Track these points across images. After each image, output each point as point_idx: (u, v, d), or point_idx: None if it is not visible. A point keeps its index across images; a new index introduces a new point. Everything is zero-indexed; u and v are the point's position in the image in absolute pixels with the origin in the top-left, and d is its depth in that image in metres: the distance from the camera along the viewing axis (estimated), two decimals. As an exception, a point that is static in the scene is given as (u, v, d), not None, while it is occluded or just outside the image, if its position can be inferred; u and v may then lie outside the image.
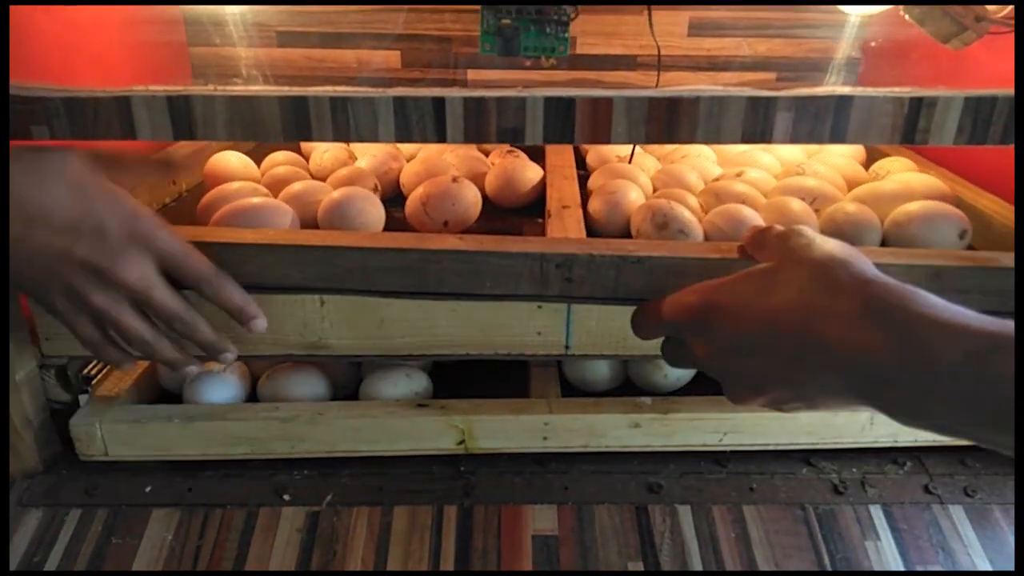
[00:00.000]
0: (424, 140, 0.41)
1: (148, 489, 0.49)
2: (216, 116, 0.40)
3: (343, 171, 0.60)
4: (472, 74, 0.82)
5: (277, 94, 0.40)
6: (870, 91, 0.40)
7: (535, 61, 0.51)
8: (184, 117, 0.40)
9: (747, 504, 0.48)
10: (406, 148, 0.69)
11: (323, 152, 0.65)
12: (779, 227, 0.39)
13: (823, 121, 0.41)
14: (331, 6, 0.79)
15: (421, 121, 0.40)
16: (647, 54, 0.80)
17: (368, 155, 0.64)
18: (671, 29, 0.82)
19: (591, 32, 0.82)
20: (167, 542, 0.46)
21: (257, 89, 0.40)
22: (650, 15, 0.58)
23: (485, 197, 0.59)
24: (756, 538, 0.47)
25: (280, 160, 0.65)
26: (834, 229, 0.52)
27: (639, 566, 0.45)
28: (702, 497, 0.49)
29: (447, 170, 0.59)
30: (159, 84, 0.41)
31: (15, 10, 0.51)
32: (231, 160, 0.63)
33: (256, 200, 0.51)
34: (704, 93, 0.40)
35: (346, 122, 0.40)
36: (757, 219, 0.52)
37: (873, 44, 0.80)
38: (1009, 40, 0.57)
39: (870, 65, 0.82)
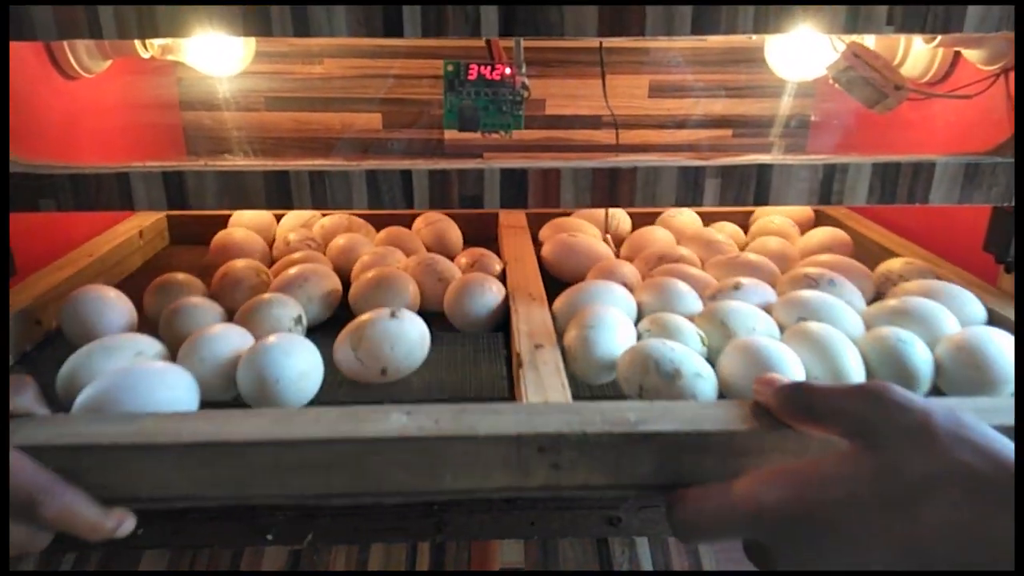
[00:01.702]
0: (394, 207, 0.46)
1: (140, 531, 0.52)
2: (206, 188, 0.45)
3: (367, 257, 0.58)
4: (448, 135, 0.88)
5: (261, 169, 0.45)
6: (788, 159, 0.46)
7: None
8: (177, 190, 0.45)
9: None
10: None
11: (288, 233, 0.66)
12: (829, 384, 0.32)
13: (747, 187, 0.46)
14: (315, 72, 0.85)
15: (391, 191, 0.45)
16: (611, 114, 0.86)
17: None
18: (633, 91, 0.88)
19: (559, 95, 0.88)
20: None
21: (243, 164, 0.45)
22: (604, 82, 0.64)
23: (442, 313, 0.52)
24: (708, 564, 0.51)
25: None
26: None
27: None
28: (659, 529, 0.53)
29: (397, 276, 0.52)
30: (153, 148, 0.47)
31: (19, 83, 0.57)
32: (235, 235, 0.65)
33: (146, 366, 0.40)
34: (641, 164, 0.45)
35: (323, 193, 0.45)
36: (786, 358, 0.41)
37: (822, 105, 0.87)
38: (932, 105, 0.64)
39: (820, 124, 0.88)
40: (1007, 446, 0.27)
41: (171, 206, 0.45)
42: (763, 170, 0.45)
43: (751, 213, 0.77)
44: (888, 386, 0.30)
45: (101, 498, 0.32)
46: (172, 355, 0.43)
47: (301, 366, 0.41)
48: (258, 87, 0.85)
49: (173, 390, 0.38)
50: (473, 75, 0.47)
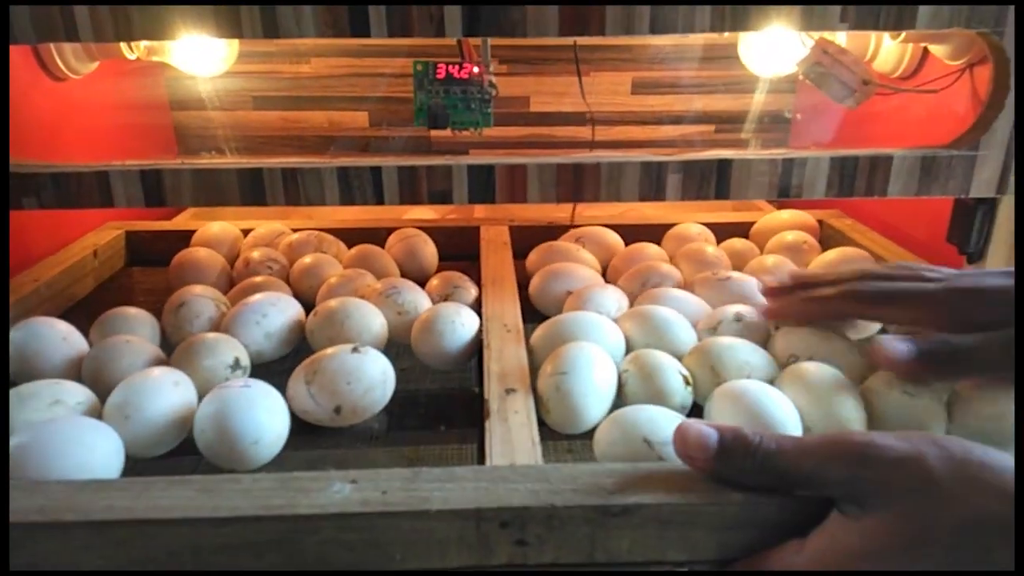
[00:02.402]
0: (364, 203, 0.47)
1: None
2: (183, 186, 0.47)
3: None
4: (435, 133, 0.89)
5: (236, 166, 0.46)
6: (748, 154, 0.47)
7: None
8: (155, 187, 0.46)
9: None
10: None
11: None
12: (788, 442, 0.30)
13: (708, 181, 0.47)
14: (303, 71, 0.86)
15: (362, 187, 0.47)
16: (594, 111, 0.87)
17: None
18: (616, 88, 0.89)
19: (544, 92, 0.89)
20: None
21: (218, 161, 0.47)
22: (580, 78, 0.65)
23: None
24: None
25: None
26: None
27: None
28: None
29: (360, 308, 0.47)
30: (145, 147, 0.47)
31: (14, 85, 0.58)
32: (199, 255, 0.60)
33: (61, 423, 0.36)
34: (604, 159, 0.46)
35: (296, 190, 0.47)
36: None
37: (802, 100, 0.88)
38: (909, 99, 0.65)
39: (801, 119, 0.89)
40: (1007, 465, 0.27)
41: (149, 203, 0.47)
42: (723, 165, 0.47)
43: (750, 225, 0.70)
44: (868, 442, 0.28)
45: None
46: (102, 400, 0.39)
47: (276, 424, 0.38)
48: (246, 86, 0.86)
49: (92, 451, 0.34)
50: (442, 74, 0.49)
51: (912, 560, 0.27)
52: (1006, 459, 0.27)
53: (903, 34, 0.59)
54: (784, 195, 0.48)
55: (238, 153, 0.89)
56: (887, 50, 0.65)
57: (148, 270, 0.66)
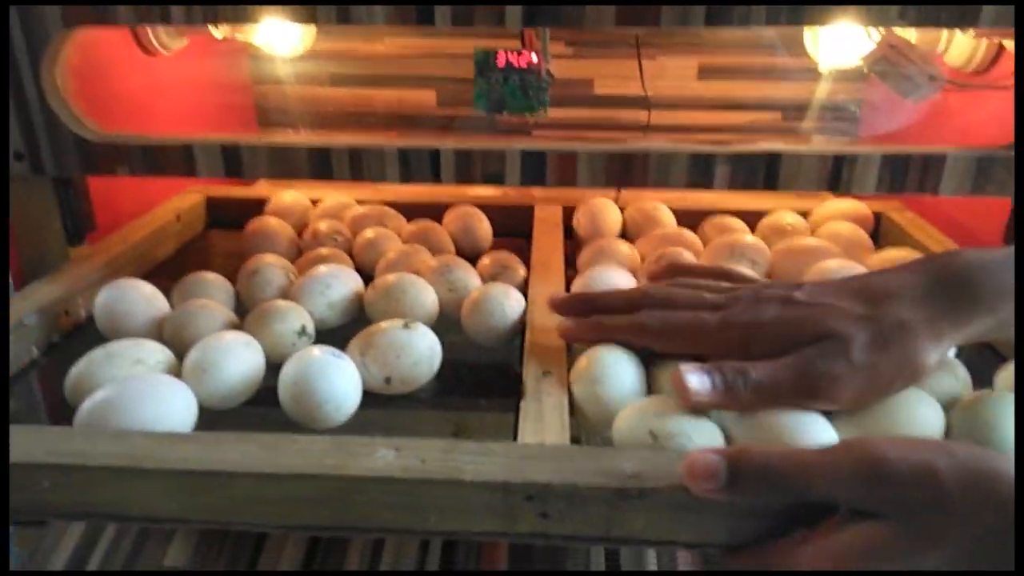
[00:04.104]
0: (423, 181, 0.50)
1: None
2: (258, 161, 0.50)
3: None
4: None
5: (306, 144, 0.50)
6: (799, 148, 0.47)
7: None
8: (234, 161, 0.50)
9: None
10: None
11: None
12: (794, 457, 0.31)
13: (757, 173, 0.48)
14: (376, 50, 0.90)
15: (420, 167, 0.49)
16: (658, 95, 0.88)
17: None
18: (683, 73, 0.89)
19: (608, 75, 0.90)
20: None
21: (291, 140, 0.50)
22: (640, 64, 0.66)
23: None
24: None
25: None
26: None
27: None
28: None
29: (415, 285, 0.50)
30: (226, 121, 0.50)
31: (101, 56, 0.63)
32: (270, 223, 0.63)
33: (141, 379, 0.40)
34: (653, 149, 0.48)
35: (359, 167, 0.50)
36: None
37: (871, 90, 0.86)
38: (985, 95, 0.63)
39: (870, 110, 0.87)
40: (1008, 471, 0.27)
41: (228, 175, 0.50)
42: (773, 158, 0.47)
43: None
44: (881, 457, 0.28)
45: (89, 515, 0.35)
46: (179, 359, 0.43)
47: (346, 386, 0.41)
48: (323, 65, 0.90)
49: (168, 405, 0.38)
50: (501, 62, 0.51)
51: (917, 563, 0.28)
52: (1001, 463, 0.28)
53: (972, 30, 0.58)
54: (834, 189, 0.48)
55: (312, 128, 0.93)
56: (959, 44, 0.63)
57: (226, 233, 0.71)
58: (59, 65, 0.49)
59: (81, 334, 0.52)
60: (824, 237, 0.61)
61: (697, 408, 0.36)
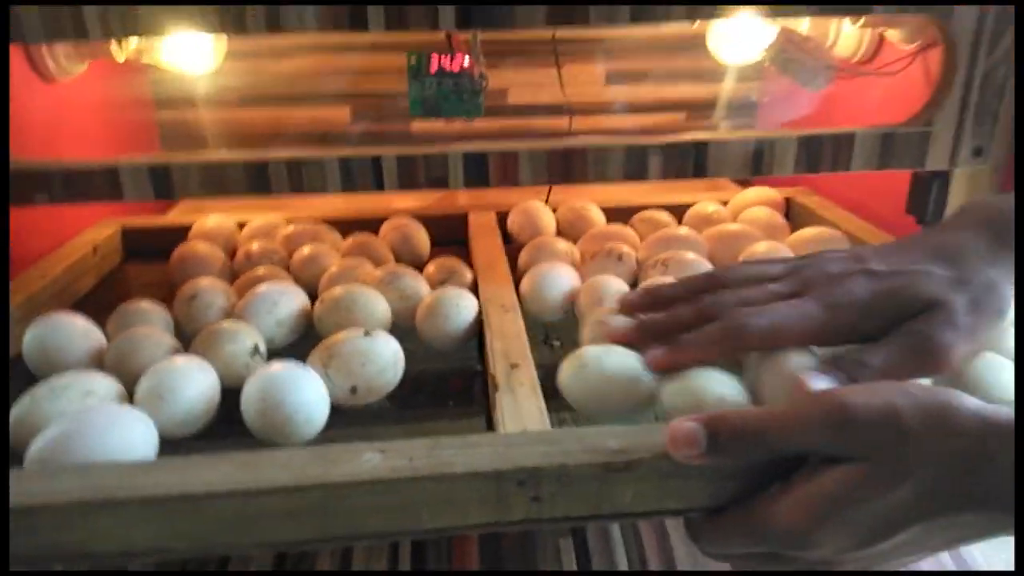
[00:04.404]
0: (366, 190, 0.50)
1: None
2: (190, 179, 0.49)
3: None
4: (415, 125, 0.92)
5: (242, 159, 0.49)
6: (723, 135, 0.51)
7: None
8: (163, 181, 0.48)
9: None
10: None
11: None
12: (766, 412, 0.32)
13: (688, 162, 0.50)
14: (284, 69, 0.88)
15: (363, 175, 0.49)
16: (570, 102, 0.90)
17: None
18: (591, 79, 0.92)
19: (521, 84, 0.92)
20: None
21: (225, 155, 0.49)
22: (559, 70, 0.68)
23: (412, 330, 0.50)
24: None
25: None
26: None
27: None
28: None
29: (366, 295, 0.50)
30: (130, 145, 0.48)
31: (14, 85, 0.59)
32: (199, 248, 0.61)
33: (98, 410, 0.38)
34: (590, 144, 0.49)
35: (299, 179, 0.49)
36: None
37: (766, 86, 0.92)
38: (867, 82, 0.68)
39: (766, 104, 0.93)
40: (969, 405, 0.29)
41: (157, 196, 0.49)
42: (700, 146, 0.50)
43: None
44: (845, 403, 0.30)
45: (56, 558, 0.32)
46: (125, 389, 0.41)
47: (314, 397, 0.40)
48: (229, 84, 0.87)
49: (129, 435, 0.36)
50: (434, 67, 0.51)
51: (889, 501, 0.30)
52: (971, 401, 0.30)
53: (862, 20, 0.63)
54: (757, 172, 0.51)
55: (218, 149, 0.90)
56: (847, 35, 0.69)
57: (144, 265, 0.68)
58: (-37, 90, 0.46)
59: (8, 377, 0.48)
60: (745, 223, 0.64)
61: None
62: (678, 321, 0.41)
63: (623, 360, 0.40)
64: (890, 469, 0.29)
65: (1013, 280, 0.37)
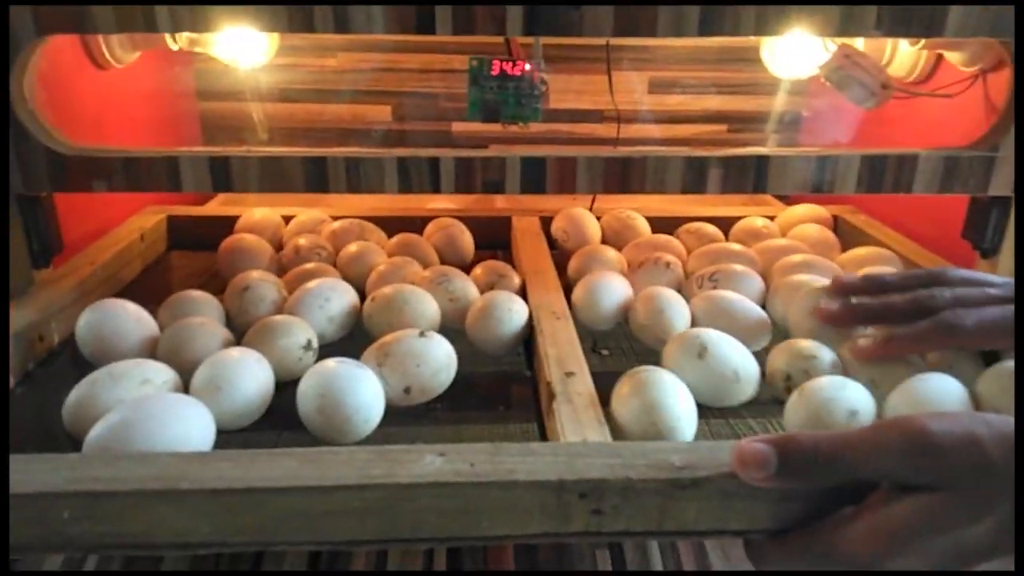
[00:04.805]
0: (422, 191, 0.50)
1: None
2: (249, 173, 0.49)
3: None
4: (456, 126, 0.92)
5: (301, 155, 0.48)
6: (784, 151, 0.50)
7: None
8: (223, 174, 0.48)
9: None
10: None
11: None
12: (840, 436, 0.31)
13: (747, 176, 0.50)
14: (329, 65, 0.88)
15: (419, 177, 0.49)
16: (612, 108, 0.90)
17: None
18: (634, 87, 0.92)
19: (562, 90, 0.91)
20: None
21: (284, 150, 0.49)
22: (610, 78, 0.68)
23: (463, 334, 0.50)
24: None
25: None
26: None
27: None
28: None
29: (417, 295, 0.49)
30: (172, 135, 0.48)
31: (59, 72, 0.60)
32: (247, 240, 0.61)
33: (158, 398, 0.38)
34: (650, 154, 0.49)
35: (357, 178, 0.49)
36: None
37: (813, 102, 0.91)
38: (917, 103, 0.68)
39: (811, 120, 0.92)
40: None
41: (216, 189, 0.49)
42: (762, 161, 0.50)
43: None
44: (925, 431, 0.29)
45: (115, 546, 0.32)
46: (180, 380, 0.42)
47: (372, 397, 0.40)
48: (274, 79, 0.88)
49: (187, 424, 0.36)
50: (496, 71, 0.51)
51: (969, 533, 0.29)
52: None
53: (922, 41, 0.62)
54: (817, 190, 0.51)
55: (263, 144, 0.90)
56: (903, 55, 0.68)
57: (188, 254, 0.69)
58: (29, 75, 0.46)
59: (58, 361, 0.49)
60: (795, 239, 0.64)
61: None
62: (892, 309, 0.41)
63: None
64: (972, 500, 0.29)
65: None
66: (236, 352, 0.42)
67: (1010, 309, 0.39)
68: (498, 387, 0.48)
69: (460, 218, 0.68)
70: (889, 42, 0.69)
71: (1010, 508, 0.29)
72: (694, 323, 0.49)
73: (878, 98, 0.63)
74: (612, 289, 0.51)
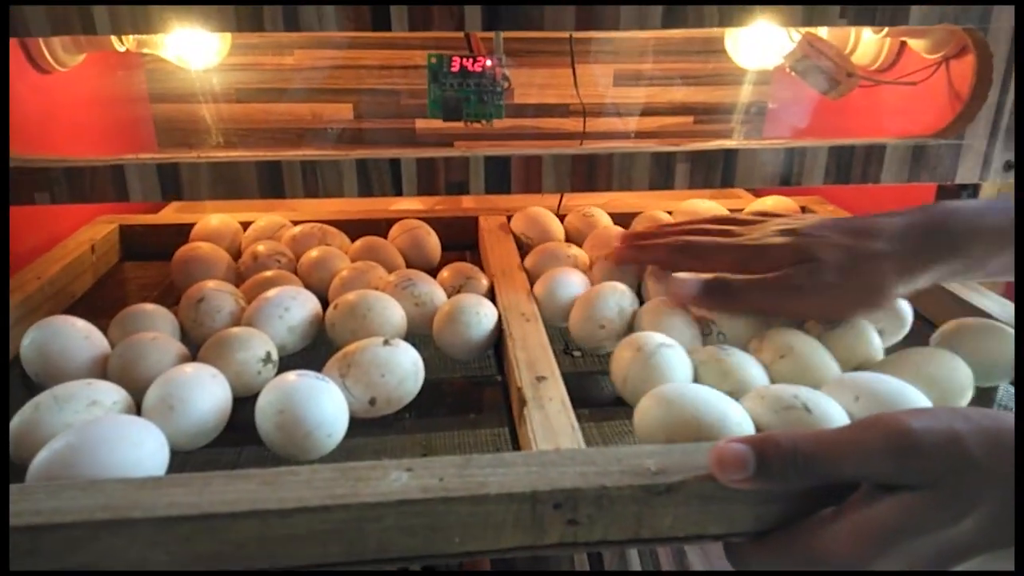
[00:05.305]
0: (383, 194, 0.48)
1: None
2: (200, 179, 0.47)
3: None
4: (420, 123, 0.90)
5: (254, 159, 0.47)
6: (752, 144, 0.49)
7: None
8: (172, 181, 0.46)
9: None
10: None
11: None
12: (816, 435, 0.31)
13: (715, 170, 0.49)
14: (286, 63, 0.86)
15: (380, 179, 0.47)
16: (578, 103, 0.89)
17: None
18: (599, 80, 0.91)
19: (527, 84, 0.90)
20: None
21: (236, 155, 0.47)
22: (574, 71, 0.67)
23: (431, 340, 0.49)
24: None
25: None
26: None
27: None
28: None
29: (382, 301, 0.48)
30: (124, 141, 0.46)
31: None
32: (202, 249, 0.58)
33: (106, 421, 0.36)
34: (616, 150, 0.48)
35: (315, 182, 0.47)
36: None
37: (778, 92, 0.91)
38: (880, 91, 0.68)
39: (776, 110, 0.92)
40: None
41: (165, 197, 0.47)
42: (729, 154, 0.49)
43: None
44: (904, 429, 0.29)
45: None
46: (132, 398, 0.40)
47: (334, 411, 0.38)
48: (228, 79, 0.85)
49: (139, 448, 0.34)
50: (456, 67, 0.50)
51: (953, 531, 0.28)
52: None
53: (885, 29, 0.62)
54: (786, 183, 0.50)
55: (220, 147, 0.88)
56: (866, 43, 0.68)
57: (143, 264, 0.66)
58: (-39, 82, 0.44)
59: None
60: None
61: (687, 305, 0.45)
62: (663, 240, 0.48)
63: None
64: (955, 498, 0.28)
65: (915, 268, 0.41)
66: (190, 368, 0.40)
67: (717, 240, 0.46)
68: (468, 393, 0.47)
69: (426, 219, 0.66)
70: (853, 30, 0.69)
71: (992, 505, 0.28)
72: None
73: (843, 87, 0.63)
74: (569, 284, 0.50)
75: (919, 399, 0.38)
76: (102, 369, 0.43)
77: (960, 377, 0.40)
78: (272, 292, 0.48)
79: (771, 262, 0.43)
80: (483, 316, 0.47)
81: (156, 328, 0.46)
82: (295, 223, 0.65)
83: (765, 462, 0.30)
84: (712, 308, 0.45)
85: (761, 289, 0.43)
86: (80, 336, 0.44)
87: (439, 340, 0.48)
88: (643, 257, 0.49)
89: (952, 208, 0.43)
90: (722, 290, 0.44)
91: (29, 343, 0.43)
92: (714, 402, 0.37)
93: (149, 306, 0.48)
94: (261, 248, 0.59)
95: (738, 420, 0.36)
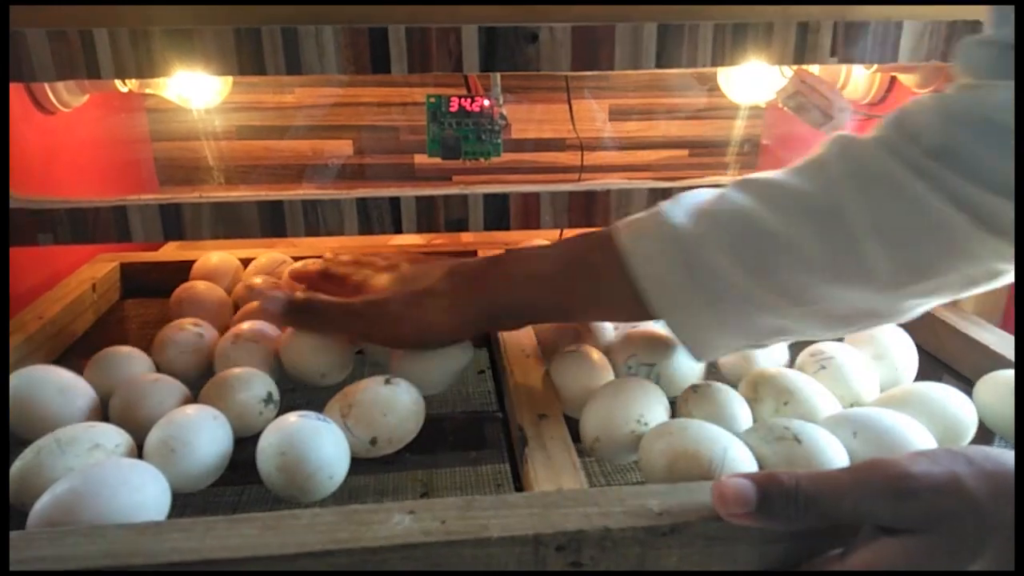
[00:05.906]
0: (383, 232, 0.48)
1: None
2: (202, 219, 0.47)
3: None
4: (419, 159, 0.91)
5: (255, 198, 0.47)
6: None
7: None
8: (174, 222, 0.47)
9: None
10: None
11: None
12: (814, 478, 0.31)
13: (712, 205, 0.49)
14: (287, 101, 0.87)
15: (380, 217, 0.48)
16: (574, 137, 0.90)
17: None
18: (595, 115, 0.92)
19: (524, 120, 0.91)
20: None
21: (238, 195, 0.47)
22: (571, 108, 0.67)
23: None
24: None
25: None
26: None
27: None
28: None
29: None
30: (126, 180, 0.46)
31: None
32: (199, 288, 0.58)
33: (107, 465, 0.36)
34: (614, 186, 0.48)
35: (316, 220, 0.47)
36: None
37: (771, 127, 0.92)
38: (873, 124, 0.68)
39: (769, 145, 0.93)
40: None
41: (167, 237, 0.47)
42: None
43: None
44: (905, 473, 0.29)
45: None
46: (132, 438, 0.40)
47: (336, 452, 0.38)
48: (230, 117, 0.86)
49: (141, 492, 0.34)
50: (454, 107, 0.50)
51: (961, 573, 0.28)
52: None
53: (875, 65, 0.63)
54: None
55: (221, 185, 0.88)
56: (857, 79, 0.69)
57: (144, 301, 0.66)
58: (-34, 125, 0.44)
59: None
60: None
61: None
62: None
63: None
64: (959, 542, 0.28)
65: (461, 306, 0.43)
66: (191, 410, 0.40)
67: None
68: (468, 429, 0.47)
69: (426, 254, 0.66)
70: (844, 67, 0.70)
71: (1000, 542, 0.28)
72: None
73: (835, 121, 0.64)
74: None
75: (920, 435, 0.38)
76: (99, 414, 0.43)
77: (963, 414, 0.40)
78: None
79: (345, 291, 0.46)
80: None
81: (133, 369, 0.46)
82: (295, 259, 0.65)
83: (767, 498, 0.30)
84: (294, 326, 0.46)
85: (344, 313, 0.44)
86: (69, 386, 0.43)
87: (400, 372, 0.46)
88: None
89: (502, 254, 0.44)
90: (304, 309, 0.45)
91: (13, 397, 0.42)
92: (716, 436, 0.37)
93: (125, 348, 0.47)
94: (258, 280, 0.59)
95: (736, 455, 0.36)
